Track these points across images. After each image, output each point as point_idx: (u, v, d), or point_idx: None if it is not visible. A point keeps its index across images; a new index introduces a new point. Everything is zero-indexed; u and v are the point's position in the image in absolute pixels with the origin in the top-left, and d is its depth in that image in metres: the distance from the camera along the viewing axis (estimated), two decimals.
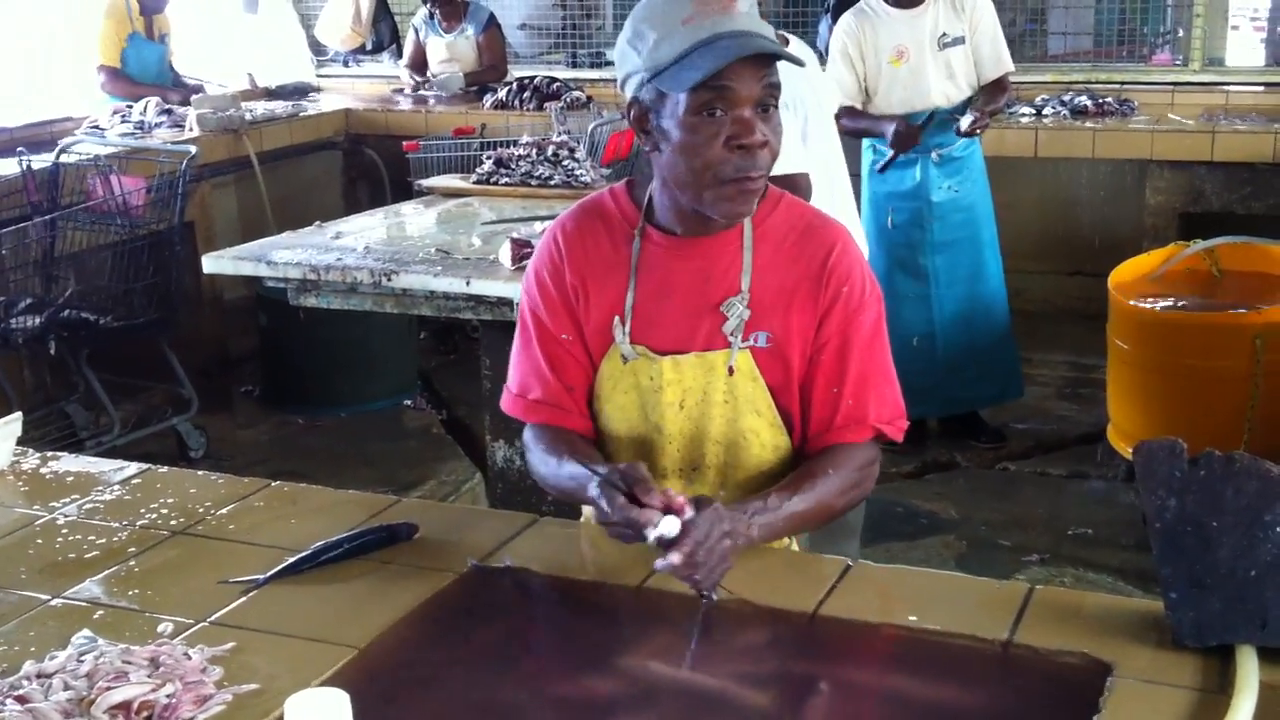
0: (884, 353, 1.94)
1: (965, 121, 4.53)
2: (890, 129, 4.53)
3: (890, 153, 4.61)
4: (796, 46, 3.44)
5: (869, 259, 4.63)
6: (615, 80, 1.94)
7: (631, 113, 1.86)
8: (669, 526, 1.62)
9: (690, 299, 1.89)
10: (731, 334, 1.88)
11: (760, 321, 1.88)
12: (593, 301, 1.93)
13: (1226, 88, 6.15)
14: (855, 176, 4.04)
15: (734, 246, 1.89)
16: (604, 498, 1.68)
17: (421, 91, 6.95)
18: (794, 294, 1.88)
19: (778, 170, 1.94)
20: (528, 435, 2.01)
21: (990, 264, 4.78)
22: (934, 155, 4.62)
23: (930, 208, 4.67)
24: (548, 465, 1.93)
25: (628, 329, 1.91)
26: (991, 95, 4.65)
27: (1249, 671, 1.50)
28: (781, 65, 1.79)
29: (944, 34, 4.55)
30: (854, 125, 4.61)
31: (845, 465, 1.87)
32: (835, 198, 3.43)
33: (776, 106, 1.81)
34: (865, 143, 4.78)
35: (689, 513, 1.64)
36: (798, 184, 2.91)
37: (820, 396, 1.90)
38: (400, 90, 7.12)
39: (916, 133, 4.51)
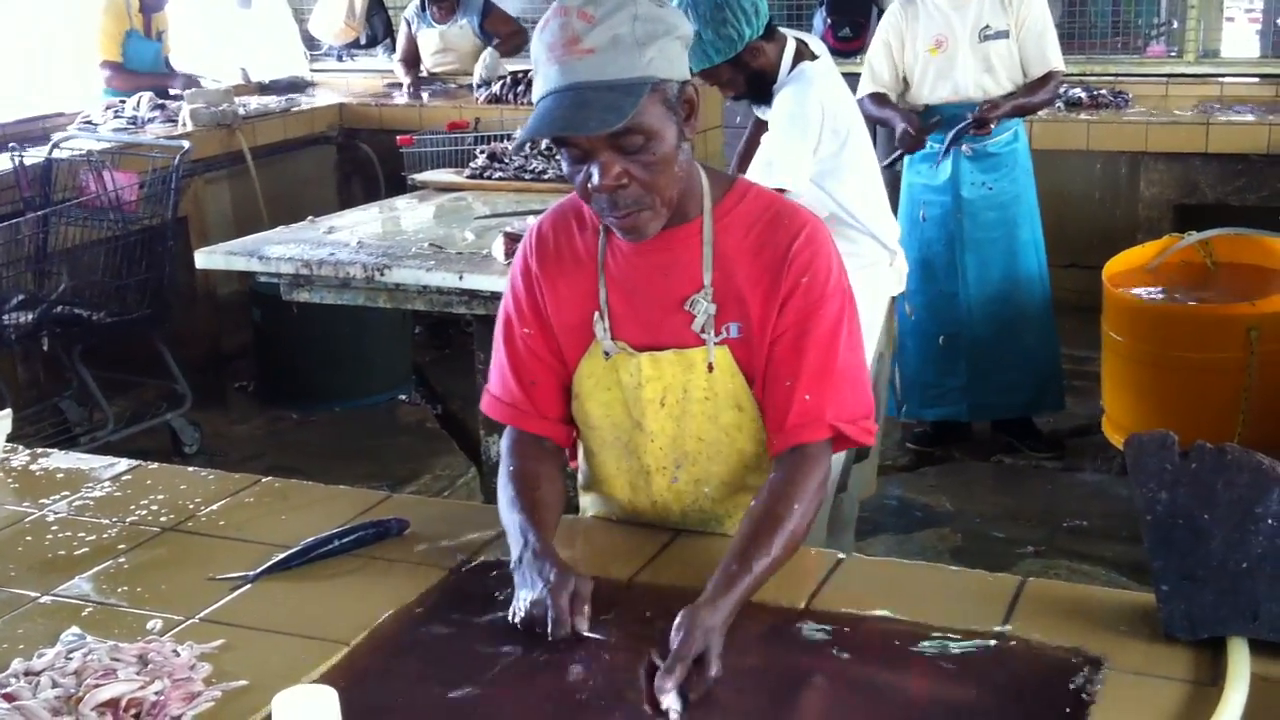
0: (850, 349, 1.82)
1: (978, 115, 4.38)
2: (901, 126, 4.44)
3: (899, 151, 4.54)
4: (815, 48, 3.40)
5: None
6: None
7: None
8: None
9: (656, 295, 1.84)
10: (702, 330, 1.82)
11: (728, 313, 1.82)
12: (561, 296, 1.89)
13: (1221, 79, 6.14)
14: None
15: (695, 240, 1.82)
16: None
17: (476, 83, 6.55)
18: (758, 283, 1.80)
19: (764, 181, 1.89)
20: (504, 439, 1.96)
21: (1029, 267, 4.60)
22: (966, 150, 4.47)
23: (960, 203, 4.52)
24: (502, 501, 1.85)
25: (607, 324, 1.87)
26: (1027, 92, 4.45)
27: (1240, 664, 1.50)
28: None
29: (986, 26, 4.41)
30: (876, 113, 4.55)
31: (806, 492, 1.74)
32: (873, 193, 3.40)
33: (652, 138, 1.68)
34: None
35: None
36: None
37: (775, 391, 1.81)
38: (395, 84, 7.03)
39: (922, 137, 4.42)
